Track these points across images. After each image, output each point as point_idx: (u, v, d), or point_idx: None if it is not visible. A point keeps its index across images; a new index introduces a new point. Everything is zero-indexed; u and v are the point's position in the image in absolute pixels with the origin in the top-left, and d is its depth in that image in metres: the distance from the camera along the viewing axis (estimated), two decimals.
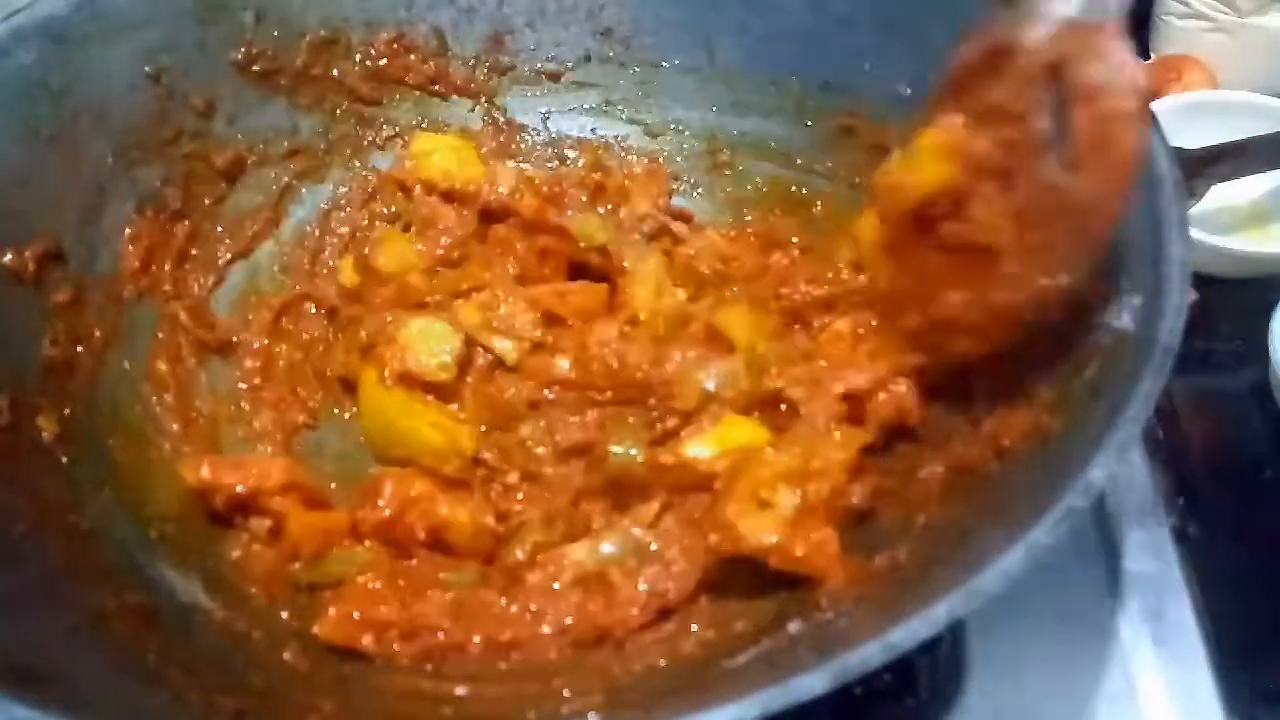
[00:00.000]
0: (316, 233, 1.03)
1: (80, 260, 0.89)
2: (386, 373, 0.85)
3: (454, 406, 0.87)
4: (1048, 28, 0.61)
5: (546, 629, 0.73)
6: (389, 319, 0.89)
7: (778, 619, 0.70)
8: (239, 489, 0.80)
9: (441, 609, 0.75)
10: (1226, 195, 1.09)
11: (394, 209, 1.03)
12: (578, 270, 0.96)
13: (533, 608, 0.74)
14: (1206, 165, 0.74)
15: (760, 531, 0.70)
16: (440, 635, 0.74)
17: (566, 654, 0.73)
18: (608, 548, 0.76)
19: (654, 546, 0.75)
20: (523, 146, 1.08)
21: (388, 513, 0.80)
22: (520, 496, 0.84)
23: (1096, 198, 0.63)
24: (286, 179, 1.03)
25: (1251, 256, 1.06)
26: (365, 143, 1.06)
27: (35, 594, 0.69)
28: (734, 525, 0.70)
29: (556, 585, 0.75)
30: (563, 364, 0.87)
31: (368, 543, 0.81)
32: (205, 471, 0.81)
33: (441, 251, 0.95)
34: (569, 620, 0.73)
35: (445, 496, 0.82)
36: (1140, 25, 1.37)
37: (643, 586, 0.74)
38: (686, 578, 0.74)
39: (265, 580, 0.79)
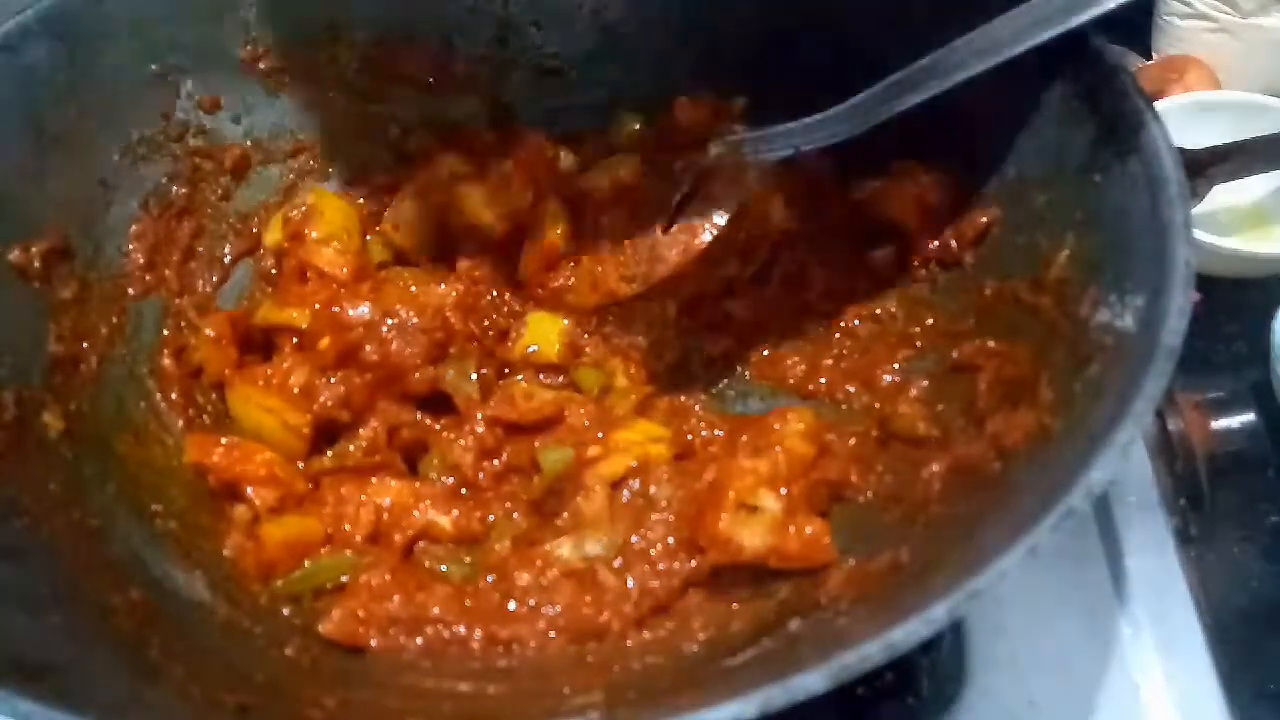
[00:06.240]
0: None
1: (86, 257, 0.90)
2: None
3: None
4: (716, 150, 0.89)
5: (543, 625, 0.74)
6: None
7: (778, 618, 0.70)
8: (224, 470, 0.81)
9: (443, 600, 0.75)
10: (1228, 196, 1.09)
11: None
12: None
13: (530, 603, 0.75)
14: (1209, 165, 0.73)
15: (755, 538, 0.72)
16: (443, 629, 0.74)
17: (566, 651, 0.73)
18: (593, 548, 0.77)
19: (639, 545, 0.76)
20: None
21: (359, 537, 0.81)
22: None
23: (668, 252, 0.89)
24: (291, 176, 1.04)
25: (1252, 257, 1.07)
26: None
27: (39, 589, 0.70)
28: (730, 538, 0.72)
29: (544, 581, 0.76)
30: None
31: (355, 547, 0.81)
32: (191, 448, 0.82)
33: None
34: (563, 616, 0.74)
35: (420, 503, 0.83)
36: (1143, 26, 1.37)
37: (631, 584, 0.75)
38: (673, 575, 0.75)
39: (258, 579, 0.80)
